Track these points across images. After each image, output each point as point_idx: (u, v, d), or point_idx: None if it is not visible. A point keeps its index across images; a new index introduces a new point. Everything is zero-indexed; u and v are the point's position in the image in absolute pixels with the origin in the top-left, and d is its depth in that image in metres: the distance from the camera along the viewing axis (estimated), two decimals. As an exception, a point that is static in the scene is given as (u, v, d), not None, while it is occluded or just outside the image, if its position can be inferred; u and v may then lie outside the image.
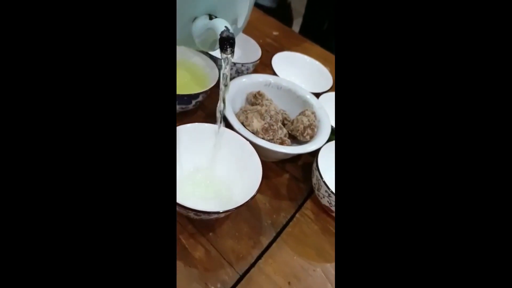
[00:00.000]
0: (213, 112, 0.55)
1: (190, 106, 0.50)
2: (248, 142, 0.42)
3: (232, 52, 0.35)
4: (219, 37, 0.34)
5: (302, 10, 1.14)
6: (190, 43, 0.41)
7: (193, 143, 0.42)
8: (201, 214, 0.34)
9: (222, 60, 0.35)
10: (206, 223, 0.40)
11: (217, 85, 0.50)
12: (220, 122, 0.40)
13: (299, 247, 0.42)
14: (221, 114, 0.39)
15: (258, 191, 0.37)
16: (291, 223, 0.44)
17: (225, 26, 0.34)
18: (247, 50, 0.63)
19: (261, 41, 0.68)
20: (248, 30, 0.70)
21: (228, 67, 0.35)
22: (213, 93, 0.52)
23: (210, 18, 0.37)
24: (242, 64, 0.56)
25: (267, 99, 0.51)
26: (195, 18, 0.38)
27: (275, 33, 0.87)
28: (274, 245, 0.41)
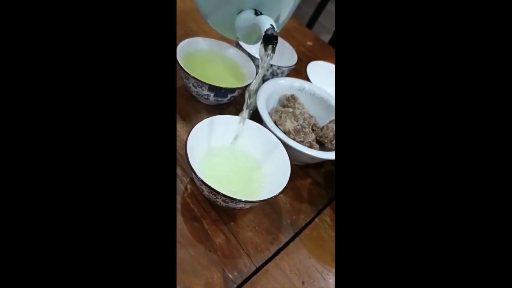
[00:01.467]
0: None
1: (225, 100, 0.51)
2: (279, 141, 0.43)
3: (273, 51, 0.36)
4: (263, 33, 0.35)
5: (332, 28, 1.16)
6: (231, 33, 0.43)
7: (227, 133, 0.43)
8: (229, 201, 0.35)
9: (260, 58, 0.36)
10: (229, 212, 0.41)
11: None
12: (245, 116, 0.42)
13: (316, 250, 0.42)
14: (249, 108, 0.41)
15: (285, 189, 0.38)
16: (309, 226, 0.45)
17: (271, 24, 0.35)
18: (284, 54, 0.65)
19: (295, 49, 0.70)
20: (285, 37, 0.72)
21: (266, 65, 0.36)
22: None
23: (256, 13, 0.39)
24: (278, 67, 0.58)
25: (299, 103, 0.52)
26: (240, 11, 0.39)
27: (309, 43, 0.88)
28: (291, 244, 0.42)
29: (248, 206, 0.39)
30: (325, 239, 0.44)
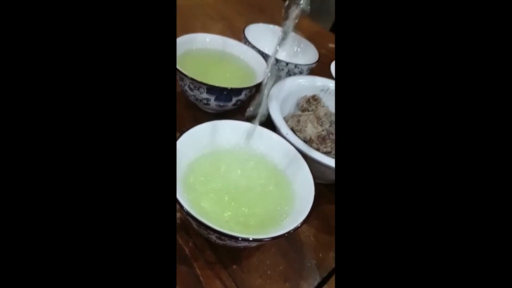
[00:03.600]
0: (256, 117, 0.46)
1: (229, 105, 0.41)
2: (298, 152, 0.32)
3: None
4: None
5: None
6: None
7: (233, 142, 0.34)
8: (226, 238, 0.25)
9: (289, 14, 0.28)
10: (230, 250, 0.30)
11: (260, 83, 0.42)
12: (259, 118, 0.31)
13: (354, 305, 0.30)
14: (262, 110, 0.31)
15: (306, 220, 0.27)
16: (342, 267, 0.33)
17: None
18: (303, 52, 0.55)
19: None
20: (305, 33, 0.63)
21: (291, 26, 0.28)
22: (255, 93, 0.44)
23: None
24: (296, 65, 0.48)
25: (323, 106, 0.42)
26: None
27: (331, 45, 0.79)
28: (318, 295, 0.30)
29: (255, 244, 0.28)
30: (366, 287, 0.32)
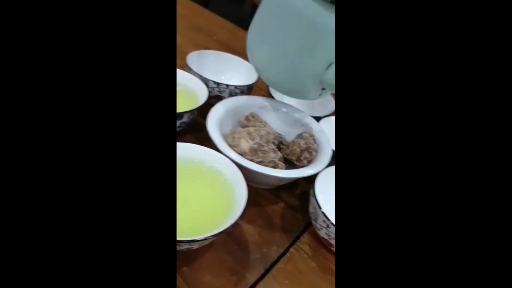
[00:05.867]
0: (204, 136, 0.52)
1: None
2: (233, 164, 0.38)
3: None
4: None
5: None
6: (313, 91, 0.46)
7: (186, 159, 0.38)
8: (182, 244, 0.30)
9: None
10: (181, 253, 0.35)
11: (204, 106, 0.47)
12: None
13: (292, 286, 0.35)
14: None
15: (241, 217, 0.32)
16: (283, 258, 0.38)
17: None
18: (243, 74, 0.61)
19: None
20: (244, 55, 0.69)
21: None
22: (203, 114, 0.50)
23: None
24: (236, 87, 0.54)
25: (260, 121, 0.48)
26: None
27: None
28: (261, 282, 0.35)
29: (197, 245, 0.33)
30: (302, 271, 0.37)
